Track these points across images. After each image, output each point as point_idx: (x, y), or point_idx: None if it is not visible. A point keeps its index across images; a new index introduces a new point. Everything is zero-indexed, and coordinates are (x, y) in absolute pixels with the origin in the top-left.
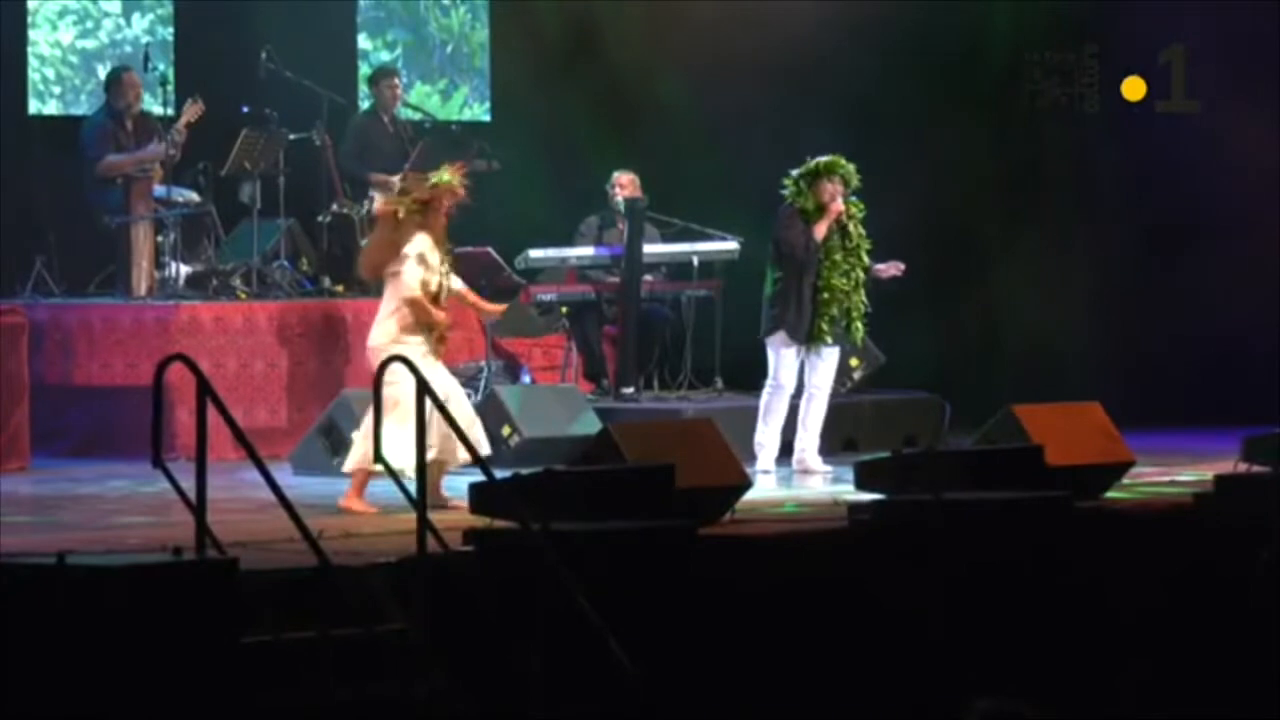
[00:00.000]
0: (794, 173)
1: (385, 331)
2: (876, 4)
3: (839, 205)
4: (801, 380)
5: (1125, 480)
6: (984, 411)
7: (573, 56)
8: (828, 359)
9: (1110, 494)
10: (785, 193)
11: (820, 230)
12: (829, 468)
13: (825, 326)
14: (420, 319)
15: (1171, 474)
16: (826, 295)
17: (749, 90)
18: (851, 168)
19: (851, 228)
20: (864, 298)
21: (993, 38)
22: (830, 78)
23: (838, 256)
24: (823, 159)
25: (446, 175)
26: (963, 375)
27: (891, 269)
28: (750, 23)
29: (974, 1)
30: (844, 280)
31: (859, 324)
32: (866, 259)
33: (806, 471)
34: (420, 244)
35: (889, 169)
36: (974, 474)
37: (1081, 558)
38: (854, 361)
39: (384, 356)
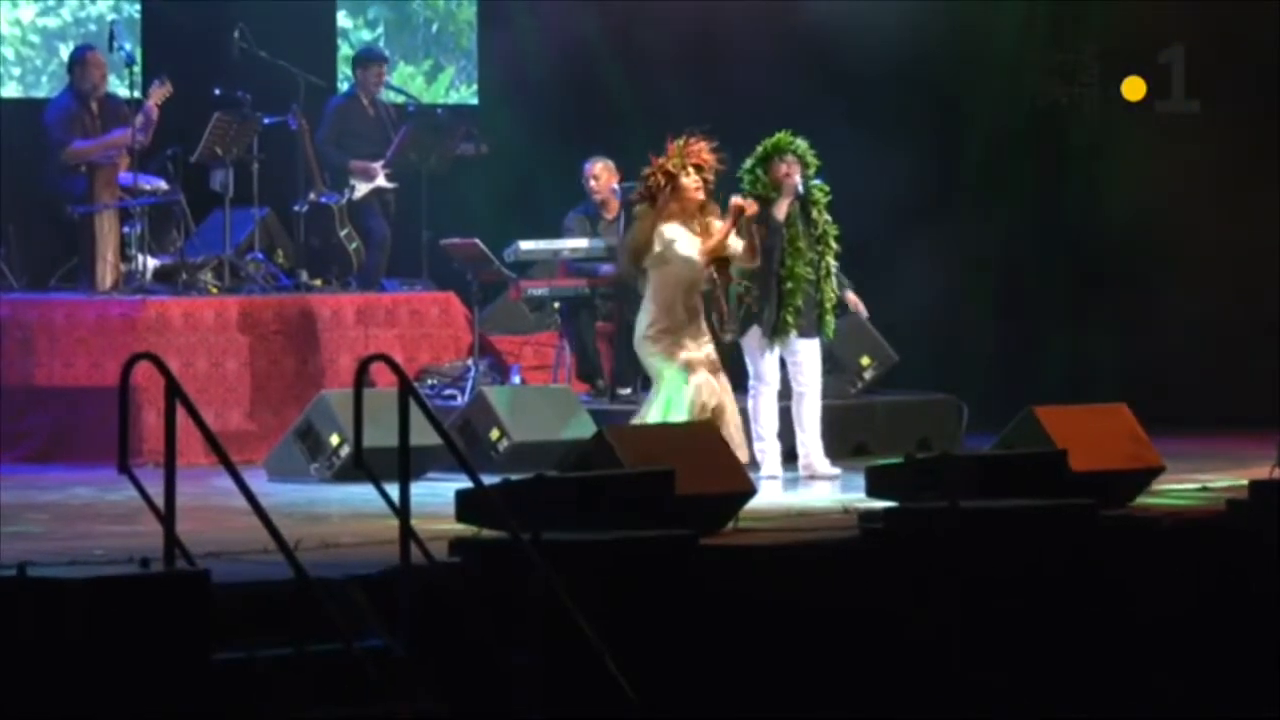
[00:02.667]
0: (746, 163)
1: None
2: (876, 4)
3: (795, 179)
4: (787, 382)
5: (1154, 487)
6: (1004, 413)
7: (566, 35)
8: (806, 353)
9: (1138, 501)
10: (743, 186)
11: (780, 210)
12: (837, 470)
13: (790, 319)
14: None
15: (1203, 480)
16: (790, 285)
17: (751, 75)
18: (804, 144)
19: (815, 214)
20: (835, 289)
21: (993, 38)
22: (830, 76)
23: (801, 244)
24: (770, 139)
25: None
26: (981, 375)
27: (857, 305)
28: (751, 10)
29: (974, 1)
30: (808, 269)
31: (830, 317)
32: (835, 245)
33: (814, 476)
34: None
35: (889, 168)
36: (993, 480)
37: (1108, 569)
38: (865, 360)
39: (660, 363)
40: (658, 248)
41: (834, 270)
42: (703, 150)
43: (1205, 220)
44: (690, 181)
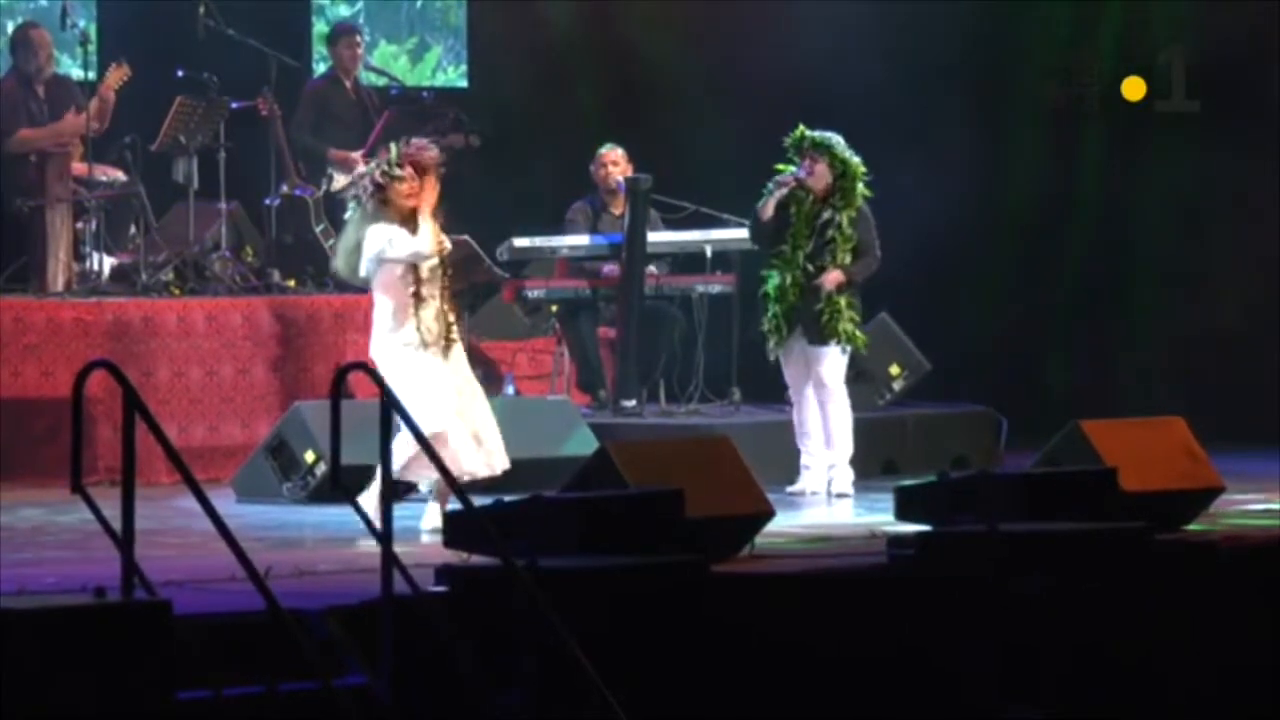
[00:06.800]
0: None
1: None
2: (876, 4)
3: (784, 178)
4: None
5: (1212, 509)
6: (1047, 428)
7: (564, 12)
8: (815, 362)
9: (1195, 525)
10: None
11: (765, 210)
12: (819, 489)
13: (766, 327)
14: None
15: (1267, 501)
16: (766, 290)
17: (762, 60)
18: (816, 136)
19: (832, 214)
20: (849, 297)
21: (992, 38)
22: (828, 77)
23: (792, 246)
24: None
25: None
26: (1022, 385)
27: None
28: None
29: (973, 1)
30: (796, 273)
31: (840, 325)
32: (846, 257)
33: (837, 495)
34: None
35: (891, 168)
36: (1035, 501)
37: (1162, 598)
38: (894, 369)
39: (379, 364)
40: (368, 252)
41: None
42: (422, 152)
43: (1227, 224)
44: (403, 188)
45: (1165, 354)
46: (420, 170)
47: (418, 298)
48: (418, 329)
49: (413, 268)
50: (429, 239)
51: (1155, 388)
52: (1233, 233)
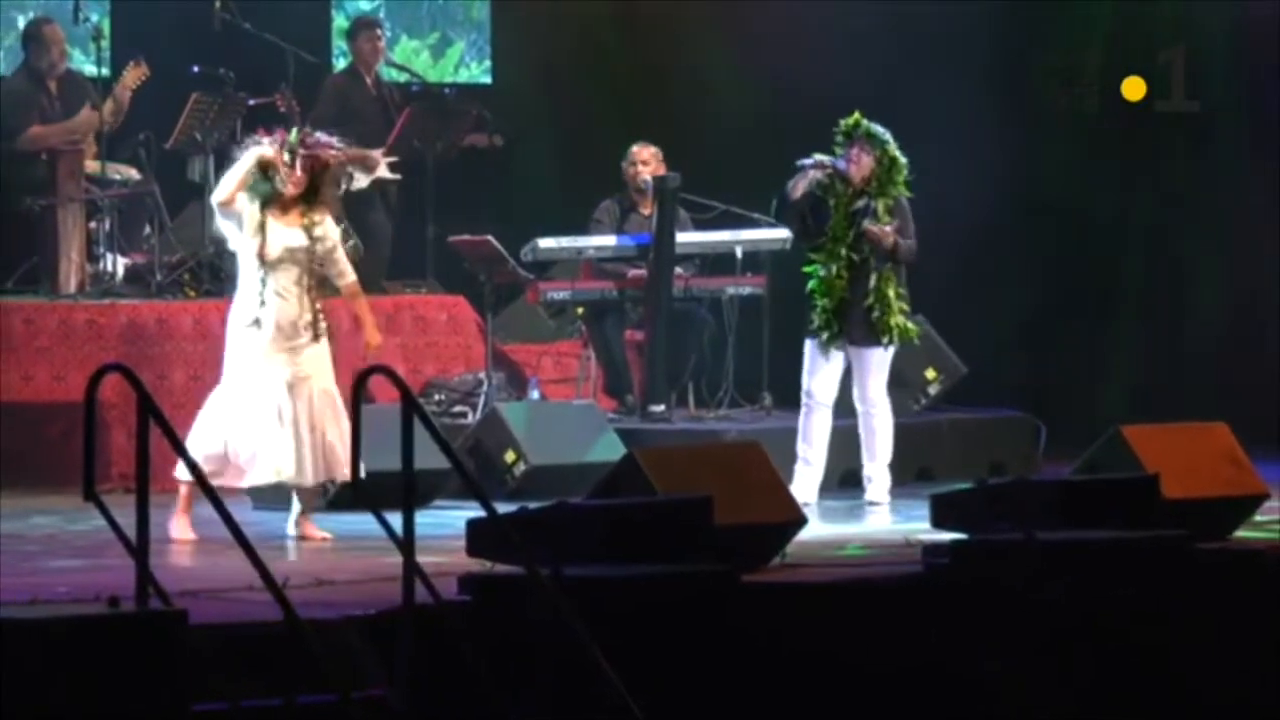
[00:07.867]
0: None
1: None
2: (876, 4)
3: (819, 159)
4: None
5: (1258, 517)
6: (1087, 433)
7: (591, 5)
8: (857, 364)
9: (1239, 533)
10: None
11: (795, 188)
12: (886, 498)
13: (816, 320)
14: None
15: None
16: (812, 285)
17: (789, 56)
18: (866, 125)
19: (875, 202)
20: (896, 287)
21: (991, 39)
22: (828, 78)
23: (834, 238)
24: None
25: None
26: (1061, 390)
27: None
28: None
29: (973, 2)
30: (839, 265)
31: (891, 320)
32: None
33: (870, 503)
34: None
35: (955, 173)
36: (1074, 509)
37: (1204, 610)
38: (930, 374)
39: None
40: (224, 217)
41: (876, 266)
42: (316, 149)
43: (1228, 224)
44: (282, 172)
45: (1160, 358)
46: (308, 165)
47: (264, 280)
48: (258, 308)
49: (261, 243)
50: (233, 182)
51: (1151, 392)
52: (1233, 233)
